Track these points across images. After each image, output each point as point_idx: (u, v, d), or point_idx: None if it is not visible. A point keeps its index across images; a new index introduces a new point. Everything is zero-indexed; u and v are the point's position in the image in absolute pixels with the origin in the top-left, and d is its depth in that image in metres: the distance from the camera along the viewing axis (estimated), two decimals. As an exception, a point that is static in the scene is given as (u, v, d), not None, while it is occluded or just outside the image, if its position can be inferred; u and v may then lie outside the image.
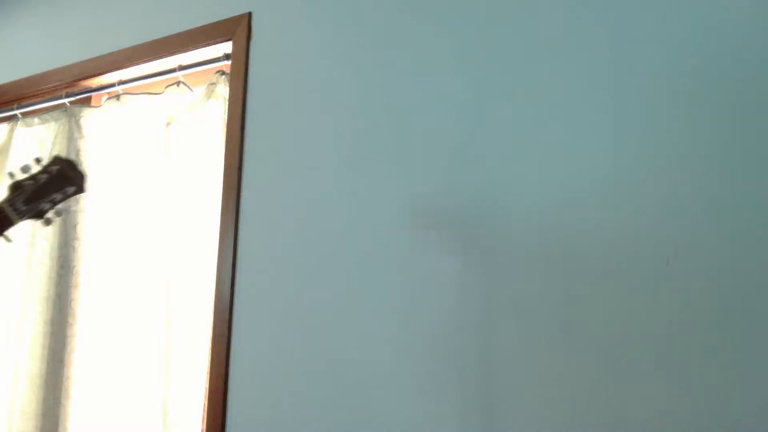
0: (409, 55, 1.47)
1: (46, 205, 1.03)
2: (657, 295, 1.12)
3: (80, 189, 1.11)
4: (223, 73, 1.80)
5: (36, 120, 2.14)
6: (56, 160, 1.08)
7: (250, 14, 1.75)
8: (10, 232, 0.98)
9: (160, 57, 1.87)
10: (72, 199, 1.09)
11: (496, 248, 1.26)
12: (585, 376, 1.16)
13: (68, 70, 2.08)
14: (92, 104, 2.11)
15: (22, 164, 1.05)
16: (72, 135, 2.01)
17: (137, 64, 1.92)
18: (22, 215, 0.98)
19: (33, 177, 1.02)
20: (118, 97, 1.96)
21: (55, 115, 2.09)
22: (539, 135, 1.27)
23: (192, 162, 1.78)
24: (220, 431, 1.49)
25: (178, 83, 1.85)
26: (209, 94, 1.78)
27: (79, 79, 2.06)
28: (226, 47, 1.79)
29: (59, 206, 1.05)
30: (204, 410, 1.56)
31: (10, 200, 0.98)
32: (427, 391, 1.28)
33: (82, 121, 2.02)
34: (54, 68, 2.12)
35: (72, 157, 1.70)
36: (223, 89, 1.80)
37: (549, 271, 1.23)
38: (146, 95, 1.93)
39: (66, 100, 2.07)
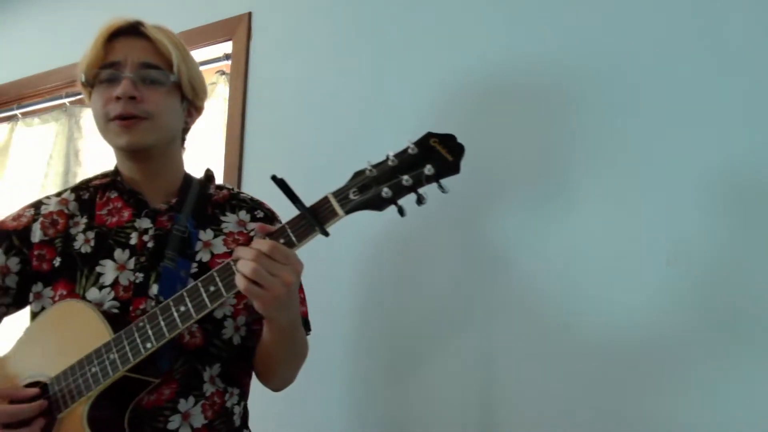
0: (409, 54, 1.47)
1: (387, 192, 0.81)
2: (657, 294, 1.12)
3: (446, 169, 0.81)
4: (223, 72, 1.80)
5: (36, 120, 2.14)
6: (425, 137, 0.84)
7: (250, 14, 1.75)
8: (332, 226, 0.82)
9: (160, 57, 1.87)
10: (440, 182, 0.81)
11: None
12: (585, 376, 1.16)
13: (68, 70, 2.08)
14: (92, 104, 2.11)
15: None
16: (72, 135, 2.01)
17: (137, 63, 1.92)
18: (352, 206, 0.82)
19: (381, 162, 0.84)
20: (118, 97, 1.96)
21: (55, 115, 2.09)
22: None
23: (192, 162, 1.77)
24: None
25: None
26: (209, 93, 1.78)
27: (79, 79, 2.06)
28: (226, 47, 1.78)
29: (420, 191, 0.80)
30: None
31: (340, 189, 0.84)
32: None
33: (82, 121, 2.02)
34: (54, 68, 2.12)
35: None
36: (223, 89, 1.80)
37: (549, 272, 1.23)
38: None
39: (66, 100, 2.07)
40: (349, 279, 1.43)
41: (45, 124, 2.12)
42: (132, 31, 1.03)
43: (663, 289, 1.12)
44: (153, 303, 0.94)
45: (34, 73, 2.17)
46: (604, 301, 1.16)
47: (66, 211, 1.04)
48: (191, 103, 1.08)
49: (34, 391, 0.88)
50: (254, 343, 1.04)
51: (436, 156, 0.81)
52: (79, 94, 2.04)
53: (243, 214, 1.08)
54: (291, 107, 1.62)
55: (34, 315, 0.99)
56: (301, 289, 1.05)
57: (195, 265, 0.99)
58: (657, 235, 1.14)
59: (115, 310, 0.94)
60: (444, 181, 0.81)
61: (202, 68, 1.80)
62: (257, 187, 1.62)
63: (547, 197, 1.25)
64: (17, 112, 2.17)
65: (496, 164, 1.30)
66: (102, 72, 1.00)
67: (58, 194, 1.08)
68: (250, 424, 1.07)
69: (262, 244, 0.81)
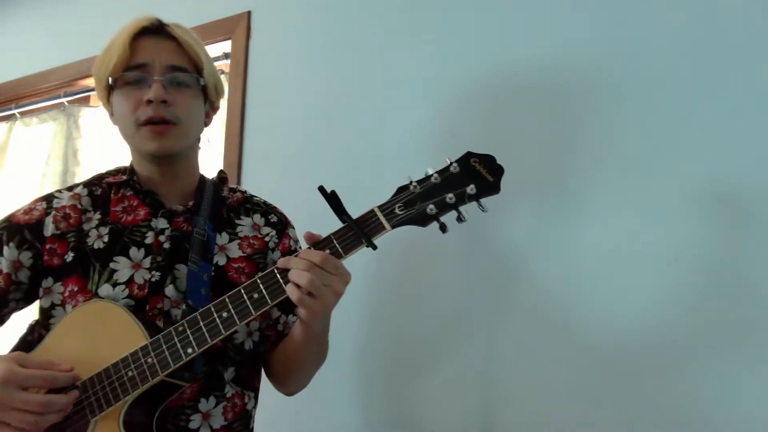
0: (409, 53, 1.46)
1: (432, 209, 0.84)
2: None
3: (487, 188, 0.85)
4: (222, 72, 1.79)
5: (34, 119, 2.13)
6: (465, 156, 0.87)
7: (249, 13, 1.74)
8: (379, 239, 0.84)
9: (159, 56, 1.87)
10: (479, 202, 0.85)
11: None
12: (586, 376, 1.16)
13: (66, 70, 2.07)
14: (90, 104, 2.10)
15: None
16: (70, 134, 2.00)
17: (136, 63, 1.91)
18: (398, 220, 0.85)
19: (425, 179, 0.86)
20: (116, 96, 1.95)
21: (54, 115, 2.09)
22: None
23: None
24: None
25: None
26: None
27: (78, 79, 2.05)
28: (226, 46, 1.78)
29: (461, 209, 0.84)
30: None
31: (386, 204, 0.86)
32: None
33: (81, 121, 2.01)
34: (52, 68, 2.11)
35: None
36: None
37: (550, 273, 1.23)
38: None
39: (64, 100, 2.06)
40: (353, 282, 1.42)
41: (43, 123, 2.12)
42: (157, 30, 1.02)
43: (663, 290, 1.12)
44: (169, 303, 0.95)
45: (32, 73, 2.17)
46: (604, 301, 1.16)
47: (79, 205, 1.02)
48: (212, 103, 1.08)
49: (68, 366, 0.87)
50: (266, 349, 1.04)
51: (477, 176, 0.85)
52: (77, 93, 2.04)
53: (257, 218, 1.09)
54: (290, 106, 1.62)
55: (43, 311, 0.97)
56: None
57: (213, 268, 0.99)
58: (657, 236, 1.14)
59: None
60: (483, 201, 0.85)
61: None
62: (256, 186, 1.61)
63: (548, 198, 1.24)
64: (15, 111, 2.16)
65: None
66: (128, 74, 0.98)
67: (70, 188, 1.06)
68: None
69: (313, 255, 0.82)
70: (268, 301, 0.85)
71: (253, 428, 1.04)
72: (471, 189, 0.84)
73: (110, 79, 0.99)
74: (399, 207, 0.86)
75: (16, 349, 1.00)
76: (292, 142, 1.60)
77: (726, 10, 1.15)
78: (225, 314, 0.85)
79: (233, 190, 1.11)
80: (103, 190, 1.05)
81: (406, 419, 1.30)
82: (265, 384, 1.09)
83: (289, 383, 1.06)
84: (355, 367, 1.38)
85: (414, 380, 1.31)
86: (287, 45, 1.66)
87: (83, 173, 1.96)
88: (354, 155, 1.49)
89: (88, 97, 2.11)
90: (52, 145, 2.04)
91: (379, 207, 0.87)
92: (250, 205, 1.10)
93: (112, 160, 1.92)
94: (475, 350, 1.26)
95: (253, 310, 0.85)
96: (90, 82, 2.05)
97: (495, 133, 1.32)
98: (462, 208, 0.85)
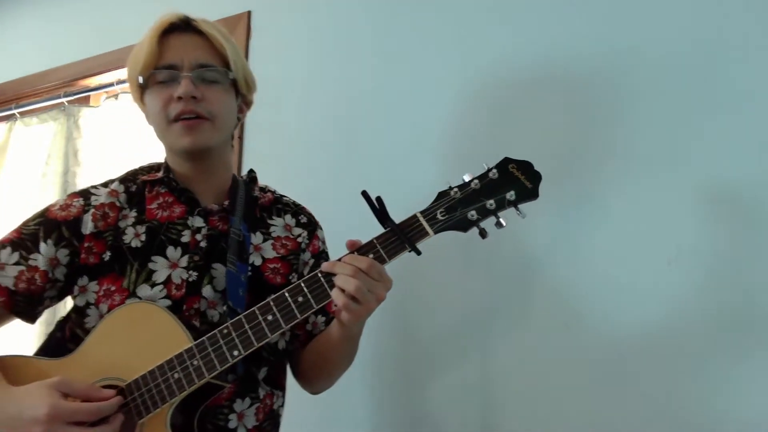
0: (409, 53, 1.46)
1: (473, 214, 0.86)
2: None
3: (526, 195, 0.86)
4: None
5: (34, 119, 2.13)
6: (503, 162, 0.88)
7: (249, 13, 1.74)
8: (423, 244, 0.86)
9: (159, 56, 1.86)
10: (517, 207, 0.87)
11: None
12: (586, 376, 1.16)
13: (66, 70, 2.07)
14: (91, 104, 2.10)
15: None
16: (70, 134, 2.00)
17: (136, 63, 1.91)
18: (440, 226, 0.86)
19: (465, 185, 0.87)
20: (116, 96, 1.95)
21: (54, 115, 2.08)
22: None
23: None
24: None
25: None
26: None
27: (78, 79, 2.05)
28: (507, 177, 1.76)
29: (499, 216, 0.86)
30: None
31: (428, 209, 0.87)
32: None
33: (81, 121, 2.01)
34: (52, 67, 2.11)
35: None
36: (222, 88, 1.79)
37: (549, 273, 1.22)
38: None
39: (64, 100, 2.06)
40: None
41: (43, 123, 2.11)
42: (184, 27, 1.01)
43: (664, 289, 1.12)
44: (206, 303, 0.95)
45: (32, 73, 2.17)
46: (604, 301, 1.16)
47: (117, 203, 1.01)
48: (244, 98, 1.08)
49: (111, 392, 0.85)
50: (293, 348, 1.06)
51: (516, 182, 0.87)
52: (77, 93, 2.04)
53: (288, 219, 1.09)
54: (290, 106, 1.61)
55: (78, 309, 0.96)
56: None
57: (249, 268, 1.00)
58: (658, 235, 1.14)
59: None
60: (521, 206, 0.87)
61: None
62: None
63: (547, 198, 1.24)
64: (15, 111, 2.16)
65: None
66: (158, 73, 0.98)
67: (105, 184, 1.06)
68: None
69: (359, 260, 0.84)
70: (313, 304, 0.86)
71: (279, 427, 1.05)
72: (510, 195, 0.86)
73: (141, 78, 0.99)
74: (441, 213, 0.87)
75: (44, 346, 1.00)
76: (292, 143, 1.59)
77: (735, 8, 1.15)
78: (270, 317, 0.86)
79: (263, 190, 1.12)
80: (137, 186, 1.04)
81: (411, 420, 1.31)
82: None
83: (317, 383, 1.08)
84: (362, 370, 1.38)
85: (417, 382, 1.31)
86: (287, 45, 1.66)
87: (84, 173, 1.96)
88: (355, 156, 1.48)
89: (88, 97, 2.11)
90: (52, 145, 2.04)
91: (422, 212, 0.88)
92: (281, 205, 1.11)
93: (112, 160, 1.93)
94: (475, 351, 1.26)
95: (298, 314, 0.86)
96: (90, 82, 2.05)
97: (498, 130, 1.32)
98: (501, 214, 0.87)
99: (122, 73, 1.96)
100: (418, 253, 0.87)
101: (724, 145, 1.11)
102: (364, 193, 0.88)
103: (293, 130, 1.60)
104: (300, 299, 0.86)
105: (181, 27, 1.01)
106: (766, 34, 1.11)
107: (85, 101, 2.11)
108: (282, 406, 1.06)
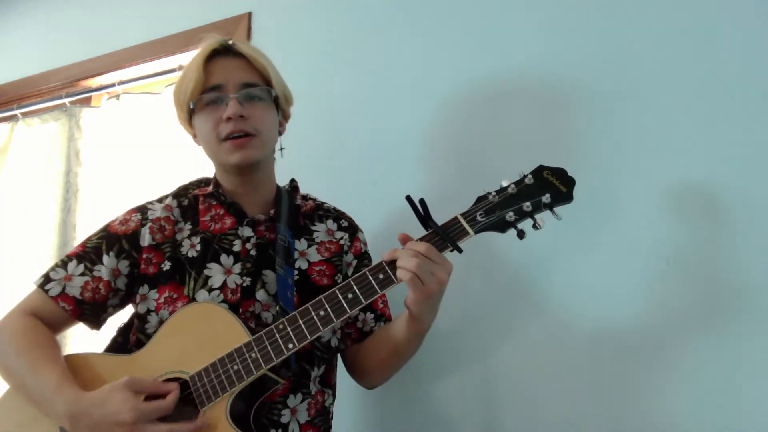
0: (409, 54, 1.47)
1: (512, 216, 0.91)
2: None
3: (561, 198, 0.92)
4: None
5: (36, 120, 2.14)
6: (538, 169, 0.95)
7: (249, 14, 1.75)
8: (464, 243, 0.91)
9: (160, 57, 1.87)
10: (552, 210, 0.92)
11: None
12: (585, 376, 1.16)
13: (68, 70, 2.08)
14: (92, 104, 2.11)
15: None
16: (72, 135, 2.01)
17: (137, 64, 1.92)
18: (480, 226, 0.91)
19: (502, 189, 0.93)
20: (118, 97, 1.96)
21: (55, 115, 2.09)
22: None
23: (192, 161, 1.77)
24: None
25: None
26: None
27: (79, 79, 2.06)
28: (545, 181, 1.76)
29: (536, 217, 0.91)
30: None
31: (468, 211, 0.93)
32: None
33: (82, 122, 2.02)
34: (54, 68, 2.12)
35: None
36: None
37: (549, 273, 1.23)
38: (146, 95, 1.92)
39: (66, 100, 2.06)
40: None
41: (45, 124, 2.12)
42: (226, 50, 1.08)
43: (663, 289, 1.12)
44: (260, 306, 1.02)
45: (33, 73, 2.17)
46: (604, 301, 1.17)
47: (172, 216, 1.10)
48: (283, 111, 1.15)
49: (174, 385, 0.93)
50: (345, 346, 1.13)
51: (551, 186, 0.93)
52: (79, 94, 2.05)
53: (330, 224, 1.17)
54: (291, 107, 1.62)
55: (139, 316, 1.04)
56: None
57: (296, 272, 1.06)
58: (657, 235, 1.14)
59: None
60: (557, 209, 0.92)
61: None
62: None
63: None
64: (17, 112, 2.16)
65: (495, 165, 1.31)
66: (205, 96, 1.05)
67: (160, 200, 1.14)
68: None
69: (418, 245, 0.89)
70: (362, 300, 0.92)
71: (331, 423, 1.11)
72: (546, 198, 0.91)
73: (191, 103, 1.05)
74: (480, 214, 0.92)
75: (109, 349, 1.09)
76: (292, 143, 1.60)
77: (721, 12, 1.15)
78: (322, 313, 0.92)
79: (305, 198, 1.19)
80: (189, 201, 1.13)
81: (411, 420, 1.31)
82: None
83: (377, 377, 1.13)
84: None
85: (417, 382, 1.31)
86: (288, 46, 1.66)
87: (85, 173, 1.96)
88: (356, 156, 1.49)
89: (90, 97, 2.11)
90: (53, 146, 2.05)
91: (462, 214, 0.93)
92: (322, 211, 1.18)
93: (114, 161, 1.93)
94: (475, 351, 1.27)
95: (348, 309, 0.92)
96: (92, 82, 2.05)
97: (498, 130, 1.33)
98: (537, 216, 0.92)
99: (124, 74, 1.97)
100: (460, 251, 0.92)
101: (724, 145, 1.12)
102: (408, 198, 0.94)
103: (293, 130, 1.60)
104: (350, 296, 0.92)
105: (223, 51, 1.07)
106: (763, 33, 1.11)
107: (86, 102, 2.11)
108: (332, 403, 1.11)
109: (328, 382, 1.10)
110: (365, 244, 1.21)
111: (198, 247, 1.05)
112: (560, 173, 0.94)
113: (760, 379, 1.03)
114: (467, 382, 1.26)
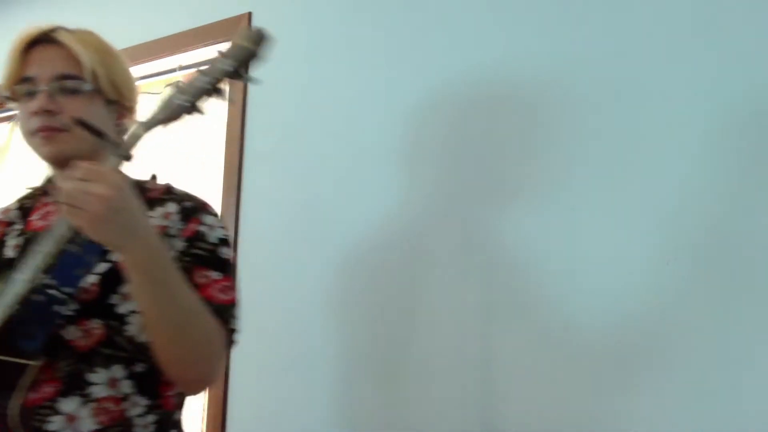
0: (410, 54, 1.47)
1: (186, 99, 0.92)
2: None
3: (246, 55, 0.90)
4: (222, 73, 1.79)
5: (36, 120, 2.14)
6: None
7: (250, 14, 1.75)
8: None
9: (160, 57, 1.87)
10: None
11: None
12: (585, 376, 1.16)
13: (68, 71, 2.08)
14: (92, 104, 2.11)
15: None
16: (72, 135, 2.01)
17: (137, 64, 1.91)
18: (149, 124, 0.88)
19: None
20: (117, 96, 1.95)
21: (56, 115, 2.09)
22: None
23: (193, 161, 1.78)
24: None
25: (178, 83, 1.85)
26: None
27: (79, 79, 2.05)
28: (226, 47, 1.78)
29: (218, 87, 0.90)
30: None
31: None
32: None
33: (82, 121, 2.01)
34: (54, 68, 2.11)
35: None
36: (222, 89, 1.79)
37: (549, 273, 1.23)
38: (146, 95, 1.92)
39: (66, 101, 2.06)
40: (351, 284, 1.43)
41: (45, 124, 2.12)
42: (46, 39, 1.02)
43: (663, 289, 1.12)
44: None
45: (33, 74, 2.17)
46: (603, 301, 1.16)
47: (5, 219, 1.05)
48: (120, 104, 1.05)
49: None
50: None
51: (235, 51, 0.88)
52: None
53: (171, 206, 1.02)
54: (291, 107, 1.62)
55: None
56: (228, 278, 0.98)
57: (110, 264, 0.92)
58: (657, 235, 1.14)
59: None
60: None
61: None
62: (257, 187, 1.62)
63: (547, 198, 1.25)
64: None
65: (495, 165, 1.30)
66: (18, 87, 0.99)
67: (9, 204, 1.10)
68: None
69: (74, 170, 0.79)
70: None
71: None
72: (222, 62, 0.90)
73: (7, 93, 1.01)
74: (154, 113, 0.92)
75: None
76: (293, 144, 1.60)
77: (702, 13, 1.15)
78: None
79: (158, 188, 1.08)
80: (31, 201, 1.07)
81: (411, 421, 1.31)
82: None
83: (166, 368, 0.91)
84: (362, 371, 1.39)
85: (417, 382, 1.31)
86: (288, 46, 1.66)
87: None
88: (356, 156, 1.49)
89: (90, 97, 2.11)
90: (54, 146, 2.05)
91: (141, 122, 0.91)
92: (168, 196, 1.05)
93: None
94: (473, 351, 1.26)
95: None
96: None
97: (498, 130, 1.33)
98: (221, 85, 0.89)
99: (123, 74, 1.96)
100: (129, 159, 0.90)
101: (724, 145, 1.12)
102: (80, 121, 0.89)
103: (293, 131, 1.60)
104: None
105: (43, 40, 1.01)
106: (763, 33, 1.11)
107: (86, 102, 2.11)
108: (142, 415, 0.93)
109: (144, 389, 0.92)
110: (211, 227, 1.01)
111: (19, 248, 0.98)
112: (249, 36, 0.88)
113: (760, 380, 1.03)
114: (467, 382, 1.26)
